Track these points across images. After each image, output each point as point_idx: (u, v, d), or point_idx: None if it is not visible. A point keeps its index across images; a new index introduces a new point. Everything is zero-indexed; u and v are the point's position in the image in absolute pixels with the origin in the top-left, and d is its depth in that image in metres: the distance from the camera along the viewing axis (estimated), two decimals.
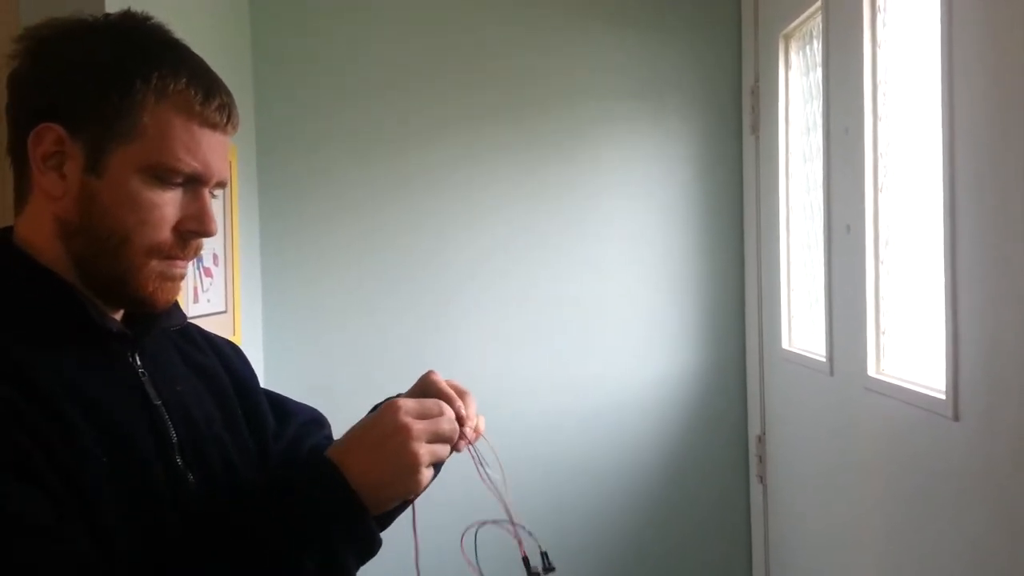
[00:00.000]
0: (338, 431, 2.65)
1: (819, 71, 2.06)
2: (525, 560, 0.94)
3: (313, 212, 2.60)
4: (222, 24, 2.31)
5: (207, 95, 0.87)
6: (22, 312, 0.85)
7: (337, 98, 2.60)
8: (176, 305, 0.96)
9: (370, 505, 0.84)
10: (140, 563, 0.81)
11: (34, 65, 0.87)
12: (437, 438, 0.88)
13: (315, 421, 1.16)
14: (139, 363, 0.91)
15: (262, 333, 2.56)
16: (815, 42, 2.14)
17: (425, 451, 0.86)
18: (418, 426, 0.86)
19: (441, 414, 0.90)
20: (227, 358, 1.08)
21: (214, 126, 0.88)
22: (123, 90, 0.84)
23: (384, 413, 0.88)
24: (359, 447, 0.87)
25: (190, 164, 0.86)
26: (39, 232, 0.87)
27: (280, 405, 1.15)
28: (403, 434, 0.85)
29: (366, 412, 2.83)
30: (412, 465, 0.85)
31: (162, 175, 0.85)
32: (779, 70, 2.36)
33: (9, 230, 0.90)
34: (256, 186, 2.57)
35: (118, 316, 0.92)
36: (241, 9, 2.52)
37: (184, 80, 0.86)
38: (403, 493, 0.86)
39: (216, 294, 2.06)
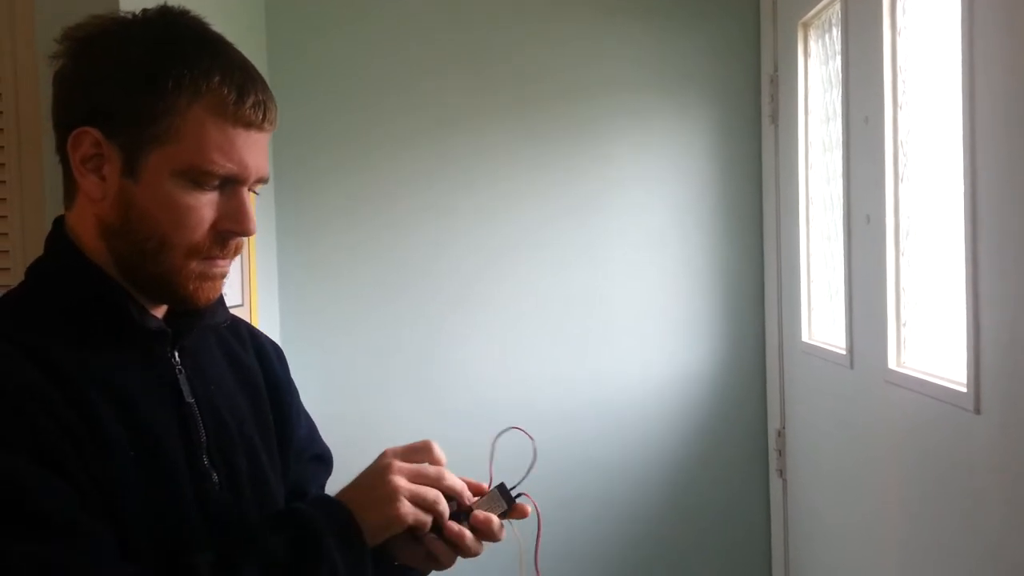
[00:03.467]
0: (355, 423, 2.66)
1: (838, 59, 2.03)
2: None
3: (328, 207, 2.61)
4: (238, 22, 2.32)
5: (241, 94, 0.86)
6: (66, 306, 0.86)
7: (352, 95, 2.60)
8: (221, 301, 0.96)
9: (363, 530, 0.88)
10: (158, 559, 0.82)
11: (73, 67, 0.87)
12: (420, 479, 0.91)
13: (321, 459, 1.16)
14: (178, 360, 0.91)
15: (279, 326, 2.57)
16: (834, 30, 2.11)
17: (404, 484, 0.89)
18: (398, 464, 0.91)
19: (429, 450, 0.94)
20: (267, 358, 1.08)
21: (249, 125, 0.87)
22: (156, 93, 0.84)
23: (375, 459, 0.94)
24: (353, 486, 0.92)
25: (225, 166, 0.85)
26: (85, 229, 0.88)
27: (310, 431, 1.15)
28: (384, 469, 0.91)
29: (382, 405, 2.83)
30: (389, 494, 0.89)
31: (197, 178, 0.85)
32: (798, 58, 2.33)
33: (61, 221, 0.91)
34: (272, 180, 2.57)
35: (162, 311, 0.92)
36: (257, 8, 2.53)
37: (217, 79, 0.85)
38: (386, 519, 0.89)
39: (232, 287, 2.07)
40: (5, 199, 1.60)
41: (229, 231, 0.88)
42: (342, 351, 2.61)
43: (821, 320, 2.28)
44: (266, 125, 0.89)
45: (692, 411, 2.62)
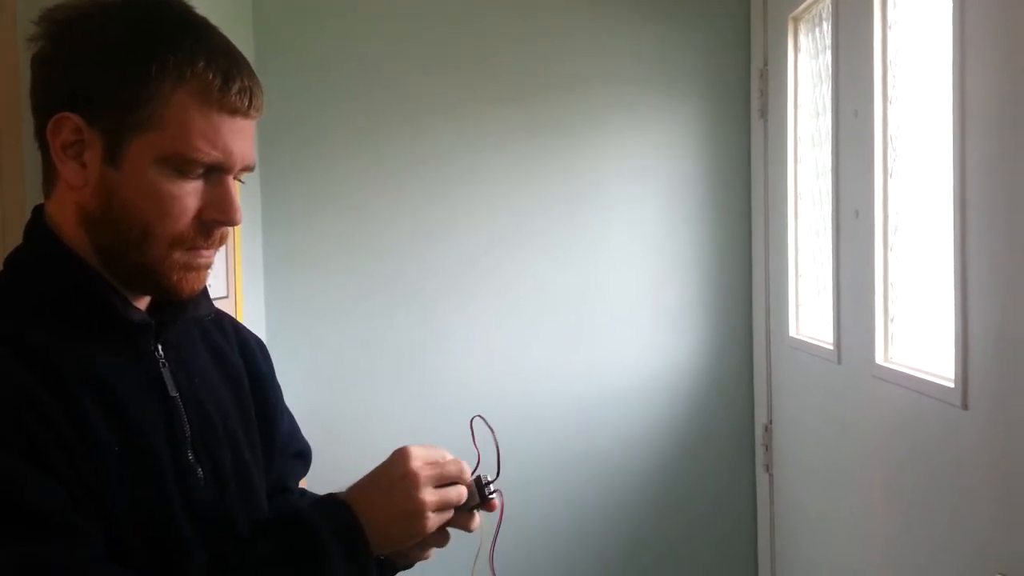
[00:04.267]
0: (343, 415, 2.64)
1: (828, 53, 2.03)
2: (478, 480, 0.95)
3: (316, 197, 2.59)
4: (224, 12, 2.29)
5: (226, 79, 0.83)
6: (49, 298, 0.85)
7: (341, 85, 2.57)
8: (205, 294, 0.95)
9: (376, 542, 0.87)
10: (150, 557, 0.81)
11: (52, 49, 0.84)
12: (444, 481, 0.91)
13: (302, 455, 1.15)
14: (161, 353, 0.90)
15: (265, 317, 2.55)
16: (824, 24, 2.11)
17: (431, 497, 0.89)
18: (425, 472, 0.89)
19: (444, 458, 0.93)
20: (251, 353, 1.07)
21: (234, 111, 0.84)
22: (139, 78, 0.81)
23: (394, 459, 0.91)
24: (370, 489, 0.90)
25: (209, 154, 0.83)
26: (65, 218, 0.86)
27: (292, 427, 1.14)
28: (410, 479, 0.89)
29: (370, 397, 2.84)
30: (417, 510, 0.88)
31: (181, 167, 0.83)
32: (788, 53, 2.33)
33: (41, 209, 0.89)
34: (258, 170, 2.55)
35: (144, 301, 0.91)
36: None
37: (201, 64, 0.82)
38: (409, 534, 0.89)
39: (217, 279, 2.05)
40: None
41: (214, 220, 0.86)
42: (329, 343, 2.59)
43: (808, 315, 2.28)
44: (252, 112, 0.86)
45: (679, 405, 2.62)
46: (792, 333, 2.33)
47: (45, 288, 0.85)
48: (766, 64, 2.50)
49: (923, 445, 1.57)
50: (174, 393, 0.89)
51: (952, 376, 1.44)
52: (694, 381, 2.63)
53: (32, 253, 0.88)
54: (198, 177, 0.85)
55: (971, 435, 1.39)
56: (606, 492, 2.61)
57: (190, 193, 0.84)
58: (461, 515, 0.94)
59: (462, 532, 0.95)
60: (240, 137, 0.86)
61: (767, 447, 2.54)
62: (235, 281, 2.20)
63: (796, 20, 2.30)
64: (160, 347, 0.90)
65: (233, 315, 2.13)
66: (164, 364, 0.89)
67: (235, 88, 0.84)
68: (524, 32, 2.59)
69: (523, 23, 2.60)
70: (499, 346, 2.60)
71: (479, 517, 0.95)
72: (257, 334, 1.12)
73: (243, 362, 1.04)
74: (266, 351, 1.11)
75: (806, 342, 2.22)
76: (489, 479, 0.95)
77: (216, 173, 0.85)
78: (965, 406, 1.40)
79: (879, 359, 1.74)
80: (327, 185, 2.59)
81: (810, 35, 2.25)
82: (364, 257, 2.60)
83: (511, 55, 2.59)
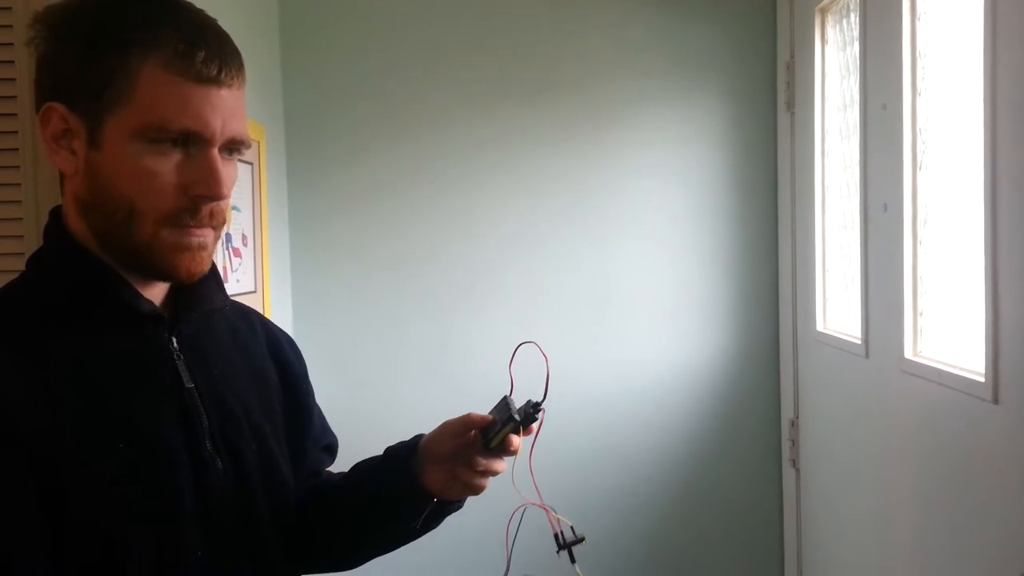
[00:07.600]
0: (367, 408, 2.57)
1: (856, 45, 2.01)
2: (556, 537, 1.00)
3: (341, 193, 2.60)
4: (251, 9, 2.31)
5: (191, 47, 0.82)
6: (59, 294, 0.85)
7: (365, 81, 2.59)
8: (218, 288, 0.95)
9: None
10: (158, 546, 0.82)
11: (42, 48, 0.87)
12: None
13: (330, 449, 1.17)
14: (176, 345, 0.90)
15: (291, 312, 2.58)
16: (852, 15, 2.09)
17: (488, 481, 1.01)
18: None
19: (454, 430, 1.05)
20: (281, 350, 1.07)
21: (203, 80, 0.83)
22: (106, 56, 0.82)
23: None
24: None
25: (180, 121, 0.82)
26: (69, 211, 0.88)
27: (322, 421, 1.16)
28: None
29: (394, 390, 2.82)
30: (479, 488, 1.02)
31: (154, 137, 0.82)
32: (815, 45, 2.30)
33: (59, 210, 0.91)
34: (285, 168, 2.58)
35: (159, 295, 0.91)
36: None
37: (165, 35, 0.82)
38: (462, 498, 1.05)
39: (245, 274, 2.07)
40: (19, 184, 1.60)
41: (198, 195, 0.85)
42: (354, 337, 2.61)
43: (836, 309, 2.27)
44: (224, 79, 0.84)
45: (705, 400, 2.62)
46: (819, 327, 2.31)
47: (56, 284, 0.86)
48: (793, 56, 2.48)
49: (952, 440, 1.55)
50: (189, 385, 0.89)
51: (982, 370, 1.43)
52: (720, 376, 2.62)
53: (48, 251, 0.90)
54: (176, 149, 0.83)
55: (1002, 430, 1.38)
56: (631, 488, 2.61)
57: (169, 167, 0.83)
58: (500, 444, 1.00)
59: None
60: (217, 107, 0.84)
61: (793, 442, 2.52)
62: (263, 277, 2.22)
63: (823, 12, 2.28)
64: (175, 340, 0.90)
65: (260, 310, 2.15)
66: (179, 356, 0.89)
67: (200, 56, 0.83)
68: (547, 27, 2.59)
69: (546, 18, 2.59)
70: (521, 340, 2.60)
71: (517, 439, 1.00)
72: (284, 329, 1.14)
73: (271, 358, 1.05)
74: (296, 348, 1.12)
75: (833, 336, 2.21)
76: (536, 401, 1.02)
77: (197, 146, 0.84)
78: (996, 400, 1.38)
79: (908, 353, 1.73)
80: (352, 182, 2.61)
81: (837, 27, 2.23)
82: (389, 253, 2.61)
83: (534, 50, 2.59)
